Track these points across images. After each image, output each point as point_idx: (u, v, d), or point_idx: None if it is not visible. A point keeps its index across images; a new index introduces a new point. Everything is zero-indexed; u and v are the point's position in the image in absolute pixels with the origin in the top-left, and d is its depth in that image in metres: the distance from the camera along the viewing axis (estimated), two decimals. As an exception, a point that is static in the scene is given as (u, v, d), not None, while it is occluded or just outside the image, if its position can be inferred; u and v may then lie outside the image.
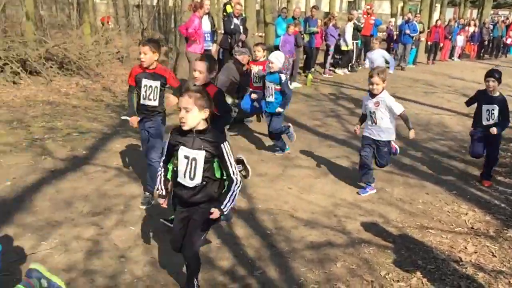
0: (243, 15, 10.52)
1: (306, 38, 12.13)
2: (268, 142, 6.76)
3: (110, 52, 12.15)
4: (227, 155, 2.98)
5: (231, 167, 2.99)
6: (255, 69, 6.98)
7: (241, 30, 10.13)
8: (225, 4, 10.73)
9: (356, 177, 5.46)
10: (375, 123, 4.94)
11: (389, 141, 5.01)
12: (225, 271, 3.58)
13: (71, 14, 16.17)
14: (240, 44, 10.09)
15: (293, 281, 3.52)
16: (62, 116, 7.31)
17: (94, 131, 6.75)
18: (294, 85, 11.06)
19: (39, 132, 6.52)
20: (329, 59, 13.19)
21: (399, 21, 19.40)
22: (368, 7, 14.65)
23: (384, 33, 18.24)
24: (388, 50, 16.78)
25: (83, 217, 4.27)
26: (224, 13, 10.78)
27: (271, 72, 6.05)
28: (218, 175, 3.04)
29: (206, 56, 4.13)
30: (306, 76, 12.15)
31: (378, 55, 8.84)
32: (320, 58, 13.81)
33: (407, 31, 14.71)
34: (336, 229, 4.32)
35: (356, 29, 13.37)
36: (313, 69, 13.06)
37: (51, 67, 9.58)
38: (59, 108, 7.68)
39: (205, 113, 2.96)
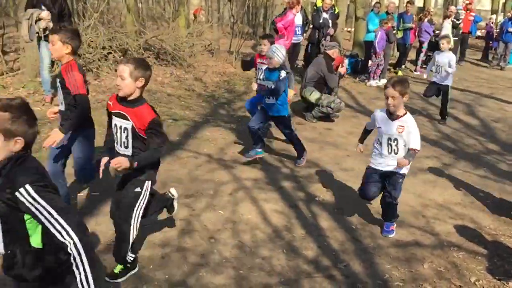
0: (334, 10, 10.46)
1: (400, 34, 11.79)
2: (355, 138, 6.71)
3: (202, 44, 12.64)
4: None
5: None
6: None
7: (330, 24, 10.09)
8: (317, -3, 10.74)
9: (448, 177, 5.27)
10: (394, 153, 3.84)
11: (404, 174, 3.98)
12: (309, 261, 3.65)
13: (166, 7, 16.99)
14: (328, 38, 10.06)
15: (378, 276, 3.51)
16: (158, 103, 7.76)
17: (187, 119, 7.10)
18: (383, 82, 10.82)
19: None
20: (422, 56, 12.70)
21: (500, 18, 18.19)
22: (468, 2, 13.89)
23: (483, 31, 17.21)
24: (487, 48, 15.84)
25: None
26: (314, 7, 10.79)
27: (271, 68, 5.23)
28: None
29: (134, 59, 3.06)
30: (395, 73, 11.82)
31: (445, 59, 7.57)
32: (411, 55, 13.35)
33: (510, 29, 13.75)
34: (424, 230, 4.23)
35: (453, 26, 12.75)
36: (403, 66, 12.67)
37: (149, 57, 10.16)
38: (156, 96, 8.15)
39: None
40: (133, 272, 3.32)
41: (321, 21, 10.01)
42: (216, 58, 12.12)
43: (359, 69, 11.34)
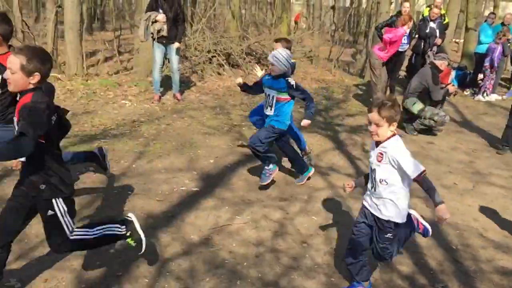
0: (443, 19, 10.00)
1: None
2: (458, 154, 6.38)
3: (302, 51, 12.74)
4: None
5: None
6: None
7: (437, 34, 9.65)
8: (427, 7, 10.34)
9: None
10: (374, 189, 3.04)
11: (396, 223, 3.04)
12: (405, 276, 3.54)
13: (268, 13, 17.35)
14: (434, 49, 9.63)
15: (479, 302, 3.31)
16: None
17: (284, 124, 7.21)
18: (493, 97, 10.13)
19: (237, 119, 7.23)
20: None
21: None
22: None
23: None
24: None
25: (271, 200, 4.64)
26: (422, 16, 10.40)
27: (275, 76, 4.54)
28: None
29: (27, 47, 2.61)
30: (508, 88, 11.02)
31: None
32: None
33: None
34: (535, 258, 3.90)
35: None
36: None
37: (250, 61, 10.47)
38: (255, 100, 8.37)
39: None
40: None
41: (427, 30, 9.61)
42: (316, 65, 12.15)
43: (467, 82, 10.73)
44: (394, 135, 2.94)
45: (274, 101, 4.56)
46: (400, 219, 3.02)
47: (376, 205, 3.03)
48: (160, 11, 7.22)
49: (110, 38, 12.67)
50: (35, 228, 3.54)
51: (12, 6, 10.92)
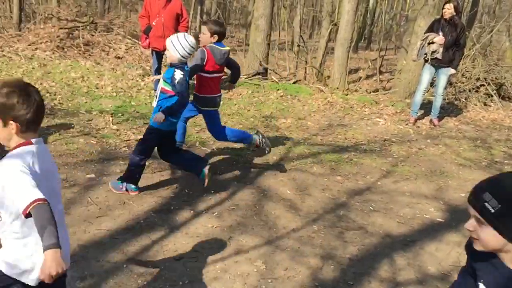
0: None
1: None
2: None
3: None
4: None
5: None
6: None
7: None
8: None
9: None
10: None
11: None
12: None
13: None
14: None
15: None
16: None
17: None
18: None
19: (499, 155, 6.49)
20: None
21: None
22: None
23: None
24: None
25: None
26: None
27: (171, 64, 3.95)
28: None
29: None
30: None
31: None
32: None
33: None
34: None
35: None
36: None
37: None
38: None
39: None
40: None
41: None
42: None
43: None
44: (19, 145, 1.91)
45: (159, 92, 4.01)
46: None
47: None
48: (440, 33, 7.00)
49: (373, 57, 12.99)
50: (284, 218, 3.88)
51: (293, 22, 12.25)
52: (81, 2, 13.76)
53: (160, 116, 3.83)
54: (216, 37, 4.42)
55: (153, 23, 6.83)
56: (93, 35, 10.44)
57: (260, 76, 9.10)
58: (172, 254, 3.37)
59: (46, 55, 8.80)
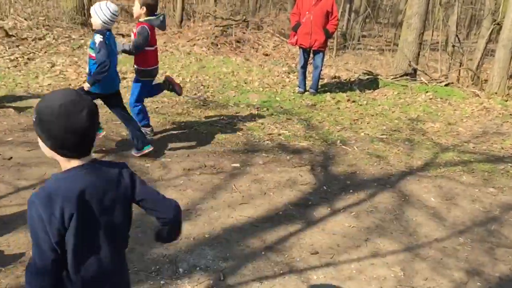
0: None
1: None
2: None
3: None
4: None
5: None
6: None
7: None
8: None
9: None
10: None
11: None
12: None
13: None
14: None
15: None
16: None
17: None
18: None
19: None
20: None
21: None
22: None
23: None
24: None
25: None
26: None
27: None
28: None
29: None
30: None
31: None
32: None
33: None
34: None
35: None
36: None
37: None
38: None
39: None
40: None
41: None
42: None
43: None
44: None
45: (88, 58, 4.31)
46: None
47: None
48: None
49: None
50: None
51: (449, 21, 11.44)
52: (235, 2, 14.56)
53: (87, 86, 4.18)
54: (144, 8, 4.62)
55: (302, 20, 6.95)
56: (244, 33, 11.00)
57: (408, 77, 8.68)
58: (308, 248, 3.41)
59: (202, 50, 9.50)
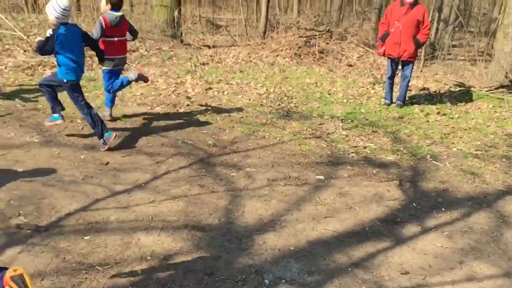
0: None
1: None
2: None
3: None
4: None
5: None
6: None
7: None
8: None
9: None
10: None
11: None
12: None
13: None
14: None
15: None
16: None
17: None
18: None
19: None
20: None
21: None
22: None
23: None
24: None
25: None
26: None
27: None
28: None
29: None
30: None
31: None
32: None
33: None
34: None
35: None
36: None
37: None
38: None
39: None
40: None
41: None
42: None
43: None
44: None
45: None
46: None
47: None
48: None
49: None
50: None
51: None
52: (319, 12, 14.51)
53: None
54: (109, 5, 5.21)
55: (391, 30, 6.75)
56: (327, 43, 10.92)
57: (504, 90, 8.12)
58: (397, 267, 3.26)
59: (285, 61, 9.56)
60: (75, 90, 4.75)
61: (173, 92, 7.08)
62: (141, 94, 6.85)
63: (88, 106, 4.81)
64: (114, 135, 4.82)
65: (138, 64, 8.32)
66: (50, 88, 4.84)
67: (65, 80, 4.64)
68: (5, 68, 7.21)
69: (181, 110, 6.33)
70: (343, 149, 5.40)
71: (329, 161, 5.04)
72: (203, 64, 8.78)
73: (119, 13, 5.27)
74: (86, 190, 3.96)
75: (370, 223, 3.83)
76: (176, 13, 10.17)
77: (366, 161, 5.10)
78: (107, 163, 4.52)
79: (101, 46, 5.18)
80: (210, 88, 7.40)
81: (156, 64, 8.44)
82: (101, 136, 4.78)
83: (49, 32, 4.46)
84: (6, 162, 4.34)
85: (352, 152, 5.33)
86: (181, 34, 10.60)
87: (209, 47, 10.34)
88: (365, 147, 5.49)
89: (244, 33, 12.17)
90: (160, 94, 6.89)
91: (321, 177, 4.63)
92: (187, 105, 6.58)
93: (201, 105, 6.61)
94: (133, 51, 8.95)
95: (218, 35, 12.77)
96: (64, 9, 4.42)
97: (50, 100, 4.91)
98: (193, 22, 14.09)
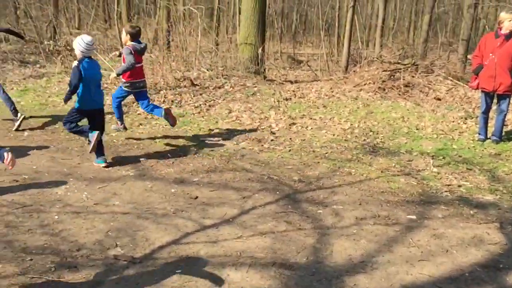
0: None
1: None
2: None
3: None
4: None
5: None
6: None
7: None
8: None
9: None
10: None
11: None
12: None
13: None
14: None
15: None
16: None
17: None
18: None
19: None
20: None
21: None
22: None
23: None
24: None
25: None
26: None
27: None
28: None
29: None
30: None
31: None
32: None
33: None
34: None
35: None
36: None
37: None
38: None
39: None
40: None
41: None
42: None
43: None
44: None
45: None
46: None
47: None
48: None
49: None
50: None
51: None
52: (403, 45, 14.23)
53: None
54: (129, 36, 6.04)
55: (485, 63, 6.42)
56: (413, 77, 10.60)
57: None
58: (504, 320, 2.98)
59: (369, 95, 9.39)
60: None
61: (257, 127, 7.20)
62: (227, 129, 7.04)
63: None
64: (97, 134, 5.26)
65: (224, 100, 8.60)
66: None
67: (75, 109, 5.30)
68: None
69: (265, 145, 6.40)
70: (435, 188, 5.12)
71: (420, 200, 4.81)
72: (286, 99, 8.88)
73: (144, 43, 6.20)
74: (177, 223, 4.08)
75: (469, 269, 3.55)
76: (260, 50, 10.45)
77: (462, 201, 4.79)
78: (196, 197, 4.64)
79: (127, 72, 6.00)
80: (293, 123, 7.44)
81: (240, 100, 8.66)
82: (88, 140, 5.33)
83: (75, 63, 5.14)
84: (104, 195, 4.61)
85: (446, 191, 5.04)
86: (264, 70, 10.85)
87: (291, 82, 10.46)
88: (459, 186, 5.17)
89: (325, 68, 12.19)
90: (245, 129, 7.03)
91: (413, 217, 4.41)
92: (272, 140, 6.64)
93: (286, 140, 6.65)
94: (219, 87, 9.27)
95: (299, 70, 12.91)
96: (87, 44, 5.14)
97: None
98: (275, 58, 14.39)
